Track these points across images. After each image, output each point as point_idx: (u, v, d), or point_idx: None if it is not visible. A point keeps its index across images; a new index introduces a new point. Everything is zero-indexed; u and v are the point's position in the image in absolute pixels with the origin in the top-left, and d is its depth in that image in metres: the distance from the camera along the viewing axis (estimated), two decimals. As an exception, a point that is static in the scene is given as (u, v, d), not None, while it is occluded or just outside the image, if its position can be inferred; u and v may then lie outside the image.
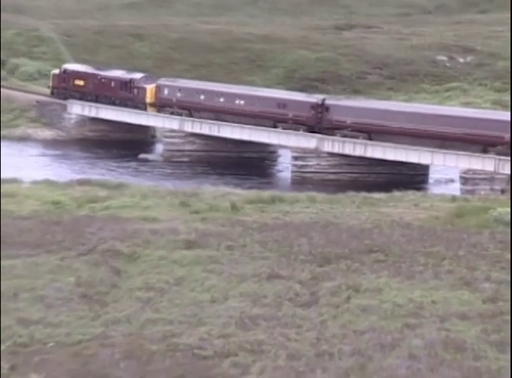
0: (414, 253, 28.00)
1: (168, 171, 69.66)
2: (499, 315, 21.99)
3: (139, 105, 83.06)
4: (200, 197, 41.07)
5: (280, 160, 74.62)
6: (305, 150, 68.25)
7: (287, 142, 70.26)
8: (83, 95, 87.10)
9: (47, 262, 26.18)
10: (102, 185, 45.45)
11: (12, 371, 17.66)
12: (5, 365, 18.18)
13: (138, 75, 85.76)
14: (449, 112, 68.28)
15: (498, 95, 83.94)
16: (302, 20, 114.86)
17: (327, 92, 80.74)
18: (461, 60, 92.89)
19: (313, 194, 43.22)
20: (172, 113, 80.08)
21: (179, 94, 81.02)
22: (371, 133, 68.49)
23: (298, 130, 72.03)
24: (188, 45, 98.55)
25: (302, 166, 68.43)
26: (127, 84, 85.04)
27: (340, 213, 36.92)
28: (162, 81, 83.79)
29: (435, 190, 61.10)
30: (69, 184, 45.51)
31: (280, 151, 74.02)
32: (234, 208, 37.34)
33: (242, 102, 76.73)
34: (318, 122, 72.04)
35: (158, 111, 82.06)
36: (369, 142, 65.86)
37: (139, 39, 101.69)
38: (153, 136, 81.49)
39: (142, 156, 74.79)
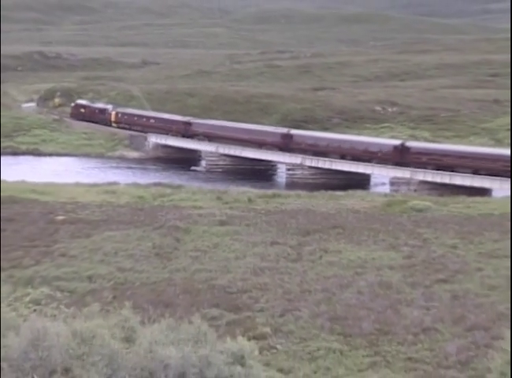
0: (361, 228, 28.00)
1: (209, 177, 69.56)
2: (412, 266, 22.00)
3: (108, 123, 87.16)
4: (228, 193, 41.04)
5: (278, 171, 74.42)
6: (294, 165, 68.13)
7: (283, 159, 70.02)
8: (83, 118, 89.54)
9: (135, 233, 26.26)
10: (168, 186, 45.43)
11: (114, 299, 17.74)
12: (109, 295, 18.28)
13: (109, 106, 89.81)
14: (246, 127, 75.21)
15: (412, 131, 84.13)
16: (292, 84, 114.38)
17: (308, 129, 79.92)
18: (390, 109, 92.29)
19: (299, 192, 43.14)
20: (123, 128, 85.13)
21: (125, 117, 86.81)
22: (210, 138, 76.15)
23: (177, 136, 79.22)
24: (221, 99, 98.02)
25: (292, 174, 68.20)
26: (103, 111, 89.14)
27: (316, 204, 36.88)
28: (119, 109, 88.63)
29: (374, 190, 60.85)
30: (148, 185, 45.51)
31: (278, 165, 73.85)
32: (250, 200, 37.30)
33: (153, 121, 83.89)
34: (187, 131, 79.24)
35: (118, 127, 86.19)
36: (333, 159, 65.60)
37: (190, 96, 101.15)
38: (200, 155, 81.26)
39: (192, 168, 74.62)
